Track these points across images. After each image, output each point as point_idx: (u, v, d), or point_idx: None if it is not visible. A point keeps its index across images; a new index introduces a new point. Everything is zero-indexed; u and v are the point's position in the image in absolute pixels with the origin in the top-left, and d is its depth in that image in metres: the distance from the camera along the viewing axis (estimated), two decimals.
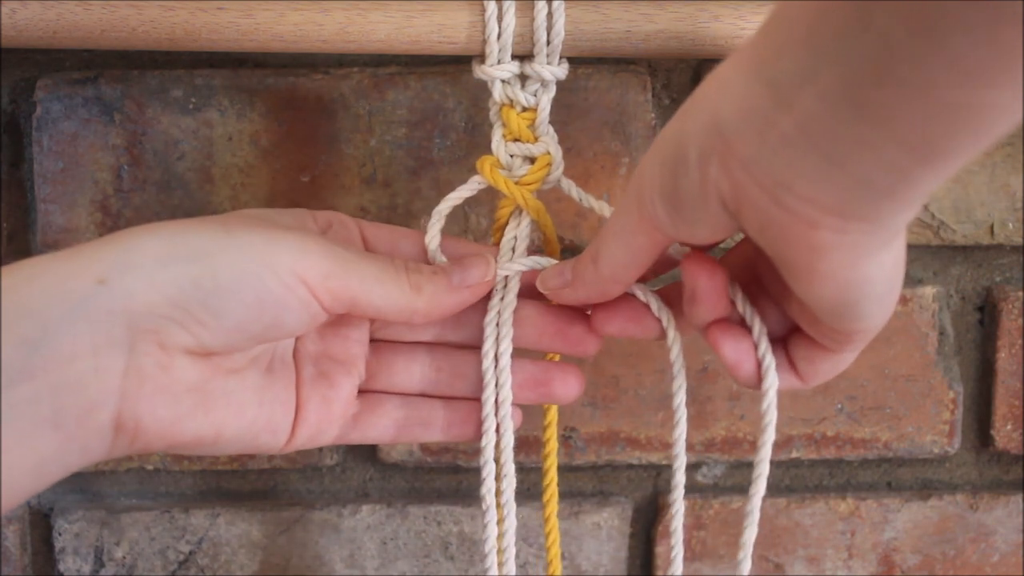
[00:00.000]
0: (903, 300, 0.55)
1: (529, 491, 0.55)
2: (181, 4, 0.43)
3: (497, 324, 0.44)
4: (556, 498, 0.48)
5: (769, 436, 0.42)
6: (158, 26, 0.43)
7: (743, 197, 0.32)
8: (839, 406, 0.56)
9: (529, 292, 0.45)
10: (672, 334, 0.43)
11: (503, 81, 0.44)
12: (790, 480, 0.58)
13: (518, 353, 0.44)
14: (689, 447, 0.56)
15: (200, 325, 0.37)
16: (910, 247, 0.36)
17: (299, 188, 0.52)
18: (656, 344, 0.54)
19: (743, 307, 0.41)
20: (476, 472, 0.55)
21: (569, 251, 0.53)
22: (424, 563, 0.56)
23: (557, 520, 0.48)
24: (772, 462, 0.57)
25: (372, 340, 0.45)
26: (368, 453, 0.56)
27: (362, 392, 0.44)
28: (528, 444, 0.55)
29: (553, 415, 0.48)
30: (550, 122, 0.45)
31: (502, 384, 0.44)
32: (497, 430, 0.44)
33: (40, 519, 0.56)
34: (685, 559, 0.57)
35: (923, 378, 0.56)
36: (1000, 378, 0.56)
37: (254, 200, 0.52)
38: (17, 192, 0.53)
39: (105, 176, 0.52)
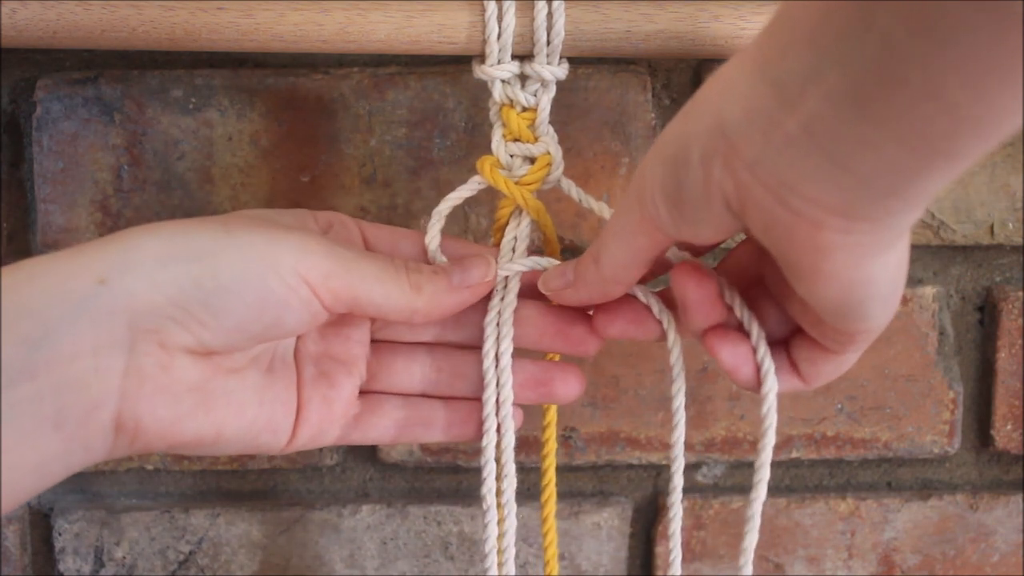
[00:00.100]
0: (903, 300, 0.55)
1: (529, 491, 0.55)
2: (181, 4, 0.43)
3: (498, 324, 0.44)
4: (554, 498, 0.48)
5: (770, 440, 0.42)
6: (158, 26, 0.43)
7: (747, 198, 0.32)
8: (839, 406, 0.56)
9: (529, 292, 0.44)
10: (672, 336, 0.43)
11: (503, 81, 0.44)
12: (790, 480, 0.58)
13: (519, 353, 0.44)
14: (689, 447, 0.56)
15: (201, 325, 0.37)
16: (910, 247, 0.36)
17: (299, 188, 0.52)
18: (656, 344, 0.54)
19: (740, 311, 0.40)
20: (476, 472, 0.55)
21: (569, 251, 0.53)
22: (424, 563, 0.56)
23: (555, 521, 0.48)
24: (772, 462, 0.57)
25: (373, 341, 0.45)
26: (368, 453, 0.56)
27: (363, 393, 0.44)
28: (528, 444, 0.55)
29: (552, 416, 0.48)
30: (550, 122, 0.45)
31: (503, 384, 0.44)
32: (498, 430, 0.44)
33: (40, 519, 0.56)
34: (685, 559, 0.57)
35: (923, 378, 0.56)
36: (1000, 378, 0.56)
37: (254, 200, 0.52)
38: (17, 192, 0.53)
39: (105, 176, 0.52)
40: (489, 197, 0.50)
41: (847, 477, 0.58)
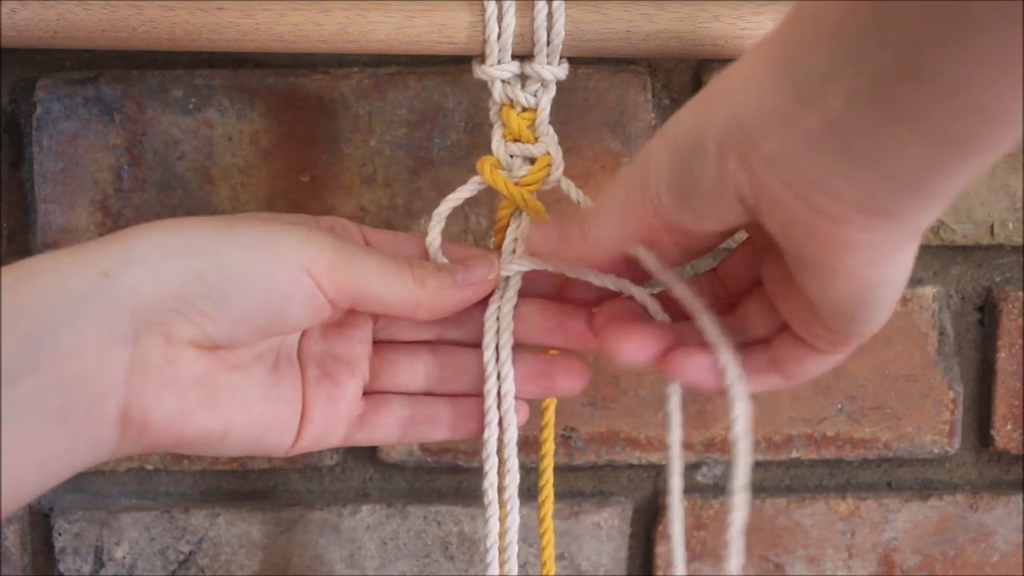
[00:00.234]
0: (903, 300, 0.55)
1: (529, 491, 0.55)
2: (181, 4, 0.43)
3: (497, 318, 0.44)
4: (552, 499, 0.48)
5: (745, 446, 0.41)
6: (158, 26, 0.43)
7: (764, 193, 0.32)
8: (839, 406, 0.56)
9: (530, 291, 0.45)
10: None
11: (503, 81, 0.44)
12: (790, 480, 0.58)
13: (521, 350, 0.44)
14: (689, 447, 0.56)
15: (204, 316, 0.37)
16: None
17: (299, 188, 0.52)
18: None
19: (706, 323, 0.40)
20: (476, 472, 0.55)
21: None
22: (424, 563, 0.56)
23: (552, 521, 0.48)
24: (772, 462, 0.57)
25: (375, 341, 0.45)
26: (368, 453, 0.56)
27: (367, 393, 0.44)
28: (528, 444, 0.55)
29: (550, 416, 0.48)
30: (550, 122, 0.45)
31: (504, 377, 0.44)
32: (500, 424, 0.44)
33: (40, 519, 0.56)
34: (685, 559, 0.57)
35: (923, 378, 0.56)
36: (1000, 378, 0.56)
37: (254, 200, 0.52)
38: (17, 192, 0.53)
39: (105, 176, 0.52)
40: (489, 197, 0.50)
41: (847, 477, 0.58)
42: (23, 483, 0.35)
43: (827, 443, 0.56)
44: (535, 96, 0.45)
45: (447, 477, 0.57)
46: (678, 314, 0.42)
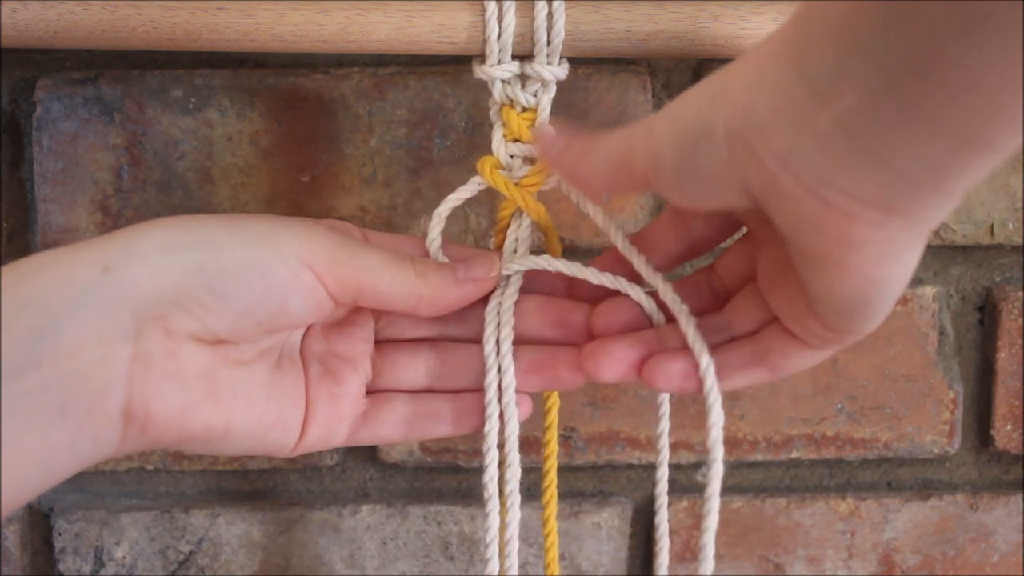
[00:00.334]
0: (903, 300, 0.55)
1: (529, 491, 0.55)
2: (181, 4, 0.43)
3: (498, 313, 0.44)
4: (555, 499, 0.48)
5: (718, 454, 0.41)
6: (158, 26, 0.43)
7: (774, 188, 0.32)
8: (839, 406, 0.56)
9: (531, 290, 0.45)
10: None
11: (503, 81, 0.44)
12: (790, 480, 0.58)
13: (522, 344, 0.44)
14: (689, 447, 0.56)
15: (205, 310, 0.38)
16: None
17: (299, 188, 0.52)
18: None
19: (688, 328, 0.41)
20: (477, 472, 0.55)
21: (569, 251, 0.53)
22: (424, 563, 0.56)
23: (556, 522, 0.48)
24: (772, 462, 0.57)
25: (376, 340, 0.45)
26: (368, 453, 0.56)
27: (369, 392, 0.44)
28: (528, 444, 0.55)
29: (554, 416, 0.48)
30: (550, 122, 0.45)
31: (504, 370, 0.44)
32: (501, 418, 0.44)
33: (40, 519, 0.56)
34: (685, 559, 0.57)
35: (923, 378, 0.56)
36: (1000, 378, 0.56)
37: (254, 200, 0.52)
38: (17, 192, 0.53)
39: (105, 176, 0.52)
40: (489, 197, 0.50)
41: (847, 477, 0.58)
42: (25, 480, 0.35)
43: (827, 443, 0.56)
44: (535, 96, 0.45)
45: (447, 477, 0.57)
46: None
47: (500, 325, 0.44)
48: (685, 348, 0.41)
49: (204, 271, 0.37)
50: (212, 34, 0.43)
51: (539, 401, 0.47)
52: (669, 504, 0.56)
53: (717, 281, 0.43)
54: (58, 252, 0.37)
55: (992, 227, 0.54)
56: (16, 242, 0.53)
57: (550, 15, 0.43)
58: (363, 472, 0.57)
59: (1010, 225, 0.54)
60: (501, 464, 0.44)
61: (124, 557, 0.56)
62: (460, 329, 0.45)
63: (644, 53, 0.45)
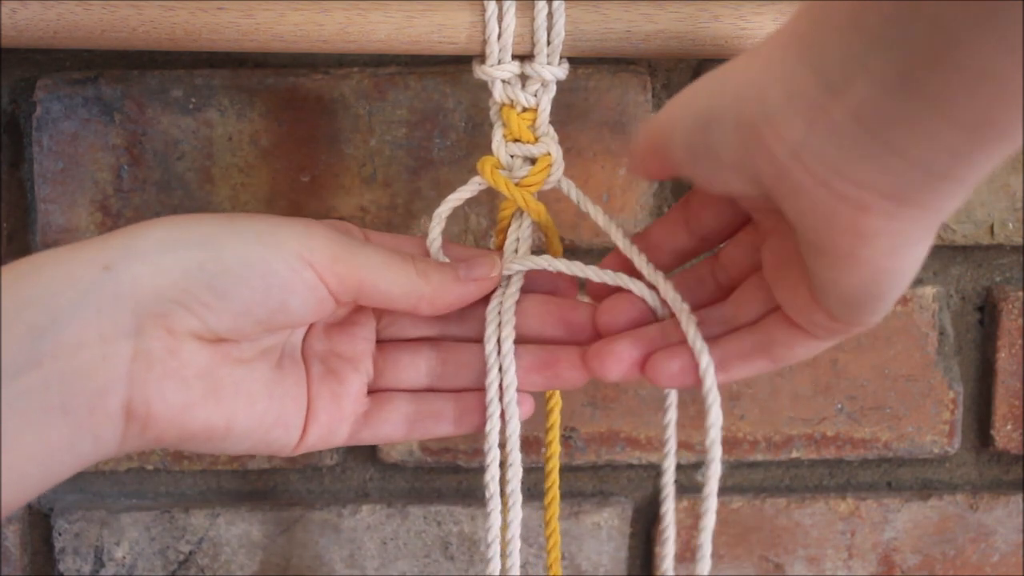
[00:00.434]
0: (903, 300, 0.55)
1: (530, 491, 0.55)
2: (181, 4, 0.43)
3: (499, 312, 0.44)
4: (558, 499, 0.48)
5: (716, 454, 0.42)
6: (158, 26, 0.43)
7: (784, 178, 0.32)
8: (839, 406, 0.56)
9: (532, 290, 0.45)
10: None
11: (503, 81, 0.44)
12: (790, 480, 0.58)
13: (524, 343, 0.44)
14: (689, 447, 0.56)
15: (206, 308, 0.38)
16: None
17: (299, 188, 0.52)
18: None
19: (688, 327, 0.41)
20: (477, 472, 0.55)
21: (569, 251, 0.53)
22: (424, 563, 0.56)
23: (558, 523, 0.48)
24: (772, 462, 0.57)
25: (378, 340, 0.45)
26: (368, 453, 0.56)
27: (371, 392, 0.44)
28: (528, 444, 0.55)
29: (556, 416, 0.48)
30: (550, 122, 0.45)
31: (505, 369, 0.44)
32: (502, 417, 0.44)
33: (40, 519, 0.56)
34: (685, 559, 0.57)
35: (923, 378, 0.56)
36: (1000, 378, 0.56)
37: (254, 200, 0.52)
38: (17, 192, 0.53)
39: (105, 176, 0.52)
40: (489, 197, 0.50)
41: (847, 477, 0.58)
42: (26, 480, 0.35)
43: (827, 443, 0.56)
44: (535, 96, 0.45)
45: (447, 477, 0.57)
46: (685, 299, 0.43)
47: (501, 324, 0.44)
48: (687, 343, 0.41)
49: (205, 270, 0.37)
50: (212, 34, 0.43)
51: (541, 401, 0.47)
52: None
53: (721, 271, 0.43)
54: (58, 251, 0.37)
55: (992, 227, 0.54)
56: (16, 242, 0.53)
57: (550, 15, 0.43)
58: (363, 472, 0.57)
59: (1010, 225, 0.54)
60: (502, 464, 0.44)
61: (124, 557, 0.56)
62: (461, 328, 0.45)
63: (644, 53, 0.45)
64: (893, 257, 0.33)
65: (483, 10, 0.43)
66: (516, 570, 0.45)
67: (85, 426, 0.36)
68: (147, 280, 0.37)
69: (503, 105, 0.45)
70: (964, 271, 0.56)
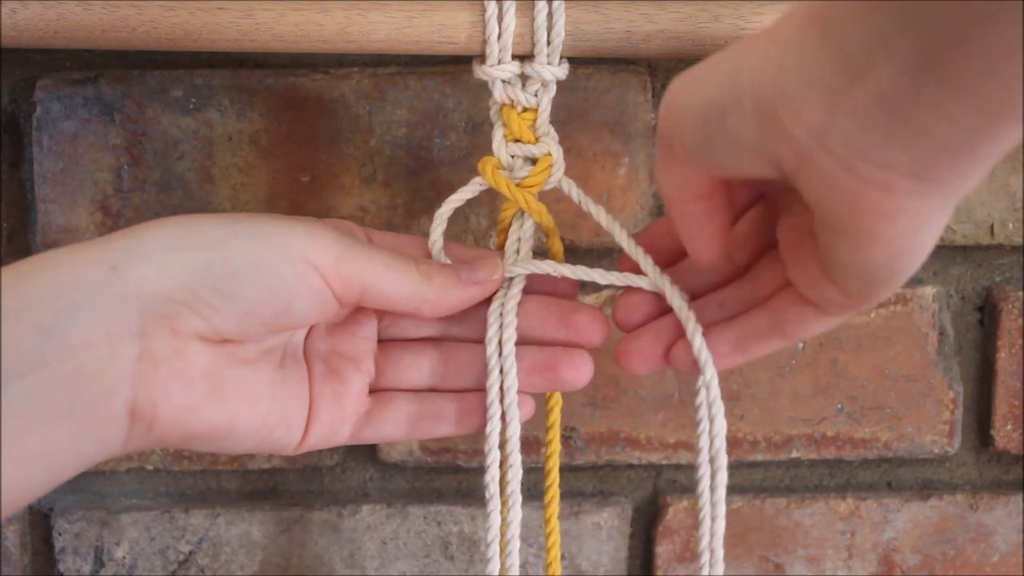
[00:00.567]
0: (903, 300, 0.55)
1: (529, 491, 0.55)
2: (182, 4, 0.43)
3: (501, 314, 0.44)
4: (557, 499, 0.48)
5: (723, 461, 0.43)
6: (158, 26, 0.43)
7: (806, 162, 0.32)
8: (839, 406, 0.56)
9: (536, 290, 0.45)
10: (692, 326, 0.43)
11: (504, 81, 0.44)
12: (790, 480, 0.58)
13: (525, 344, 0.44)
14: (689, 447, 0.56)
15: (212, 309, 0.38)
16: None
17: (299, 188, 0.52)
18: None
19: (690, 330, 0.42)
20: (477, 472, 0.55)
21: (570, 251, 0.53)
22: (424, 563, 0.56)
23: (558, 522, 0.48)
24: (772, 462, 0.57)
25: (379, 340, 0.45)
26: (368, 453, 0.56)
27: (373, 391, 0.44)
28: (527, 444, 0.55)
29: (556, 416, 0.48)
30: (550, 122, 0.45)
31: (507, 371, 0.44)
32: (503, 418, 0.44)
33: (40, 519, 0.56)
34: (685, 559, 0.57)
35: (923, 378, 0.56)
36: (1000, 378, 0.56)
37: (254, 200, 0.52)
38: (17, 192, 0.53)
39: (105, 176, 0.52)
40: (489, 197, 0.50)
41: (847, 477, 0.58)
42: (30, 480, 0.35)
43: (827, 443, 0.56)
44: (536, 96, 0.45)
45: (447, 477, 0.57)
46: (696, 288, 0.44)
47: (503, 326, 0.44)
48: (706, 330, 0.43)
49: (211, 271, 0.37)
50: (212, 34, 0.43)
51: (541, 401, 0.47)
52: (669, 504, 0.56)
53: (737, 250, 0.43)
54: (63, 251, 0.37)
55: (992, 227, 0.54)
56: (16, 242, 0.53)
57: (550, 15, 0.43)
58: (363, 472, 0.57)
59: (1010, 225, 0.54)
60: (502, 464, 0.44)
61: (124, 557, 0.56)
62: (464, 329, 0.45)
63: (644, 53, 0.45)
64: (915, 235, 0.33)
65: (483, 10, 0.43)
66: (516, 570, 0.45)
67: (90, 426, 0.36)
68: (153, 281, 0.37)
69: (503, 105, 0.45)
70: (964, 271, 0.56)
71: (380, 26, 0.43)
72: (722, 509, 0.44)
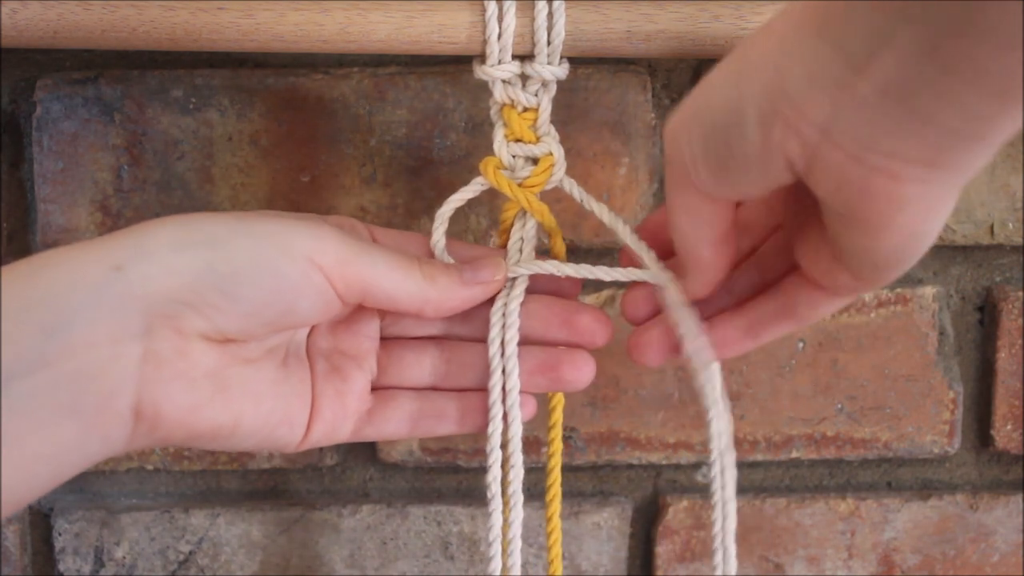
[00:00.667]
0: (903, 300, 0.55)
1: (529, 491, 0.55)
2: (182, 4, 0.43)
3: (503, 314, 0.44)
4: (559, 499, 0.48)
5: (730, 460, 0.44)
6: (158, 26, 0.43)
7: (816, 158, 0.32)
8: (839, 406, 0.56)
9: (539, 290, 0.45)
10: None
11: (504, 81, 0.44)
12: (790, 480, 0.58)
13: (527, 344, 0.44)
14: (689, 447, 0.56)
15: (215, 309, 0.38)
16: None
17: (299, 188, 0.52)
18: None
19: (686, 328, 0.42)
20: (477, 472, 0.55)
21: (570, 251, 0.53)
22: (424, 563, 0.56)
23: (559, 521, 0.48)
24: (772, 462, 0.57)
25: (382, 337, 0.45)
26: (368, 453, 0.56)
27: (375, 389, 0.44)
28: (528, 444, 0.55)
29: (558, 416, 0.48)
30: (550, 122, 0.45)
31: (509, 372, 0.44)
32: (504, 418, 0.44)
33: (40, 519, 0.56)
34: (685, 559, 0.57)
35: (923, 378, 0.56)
36: (1000, 378, 0.56)
37: (254, 200, 0.52)
38: (17, 192, 0.53)
39: (105, 176, 0.52)
40: (489, 197, 0.50)
41: (847, 477, 0.58)
42: (34, 479, 0.35)
43: (827, 443, 0.56)
44: (536, 96, 0.45)
45: (447, 477, 0.57)
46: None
47: (505, 327, 0.44)
48: (709, 320, 0.43)
49: (214, 271, 0.37)
50: (212, 34, 0.43)
51: (543, 401, 0.47)
52: (669, 504, 0.56)
53: (744, 235, 0.43)
54: (66, 250, 0.37)
55: (992, 227, 0.54)
56: (16, 242, 0.53)
57: (550, 15, 0.43)
58: (363, 472, 0.57)
59: (1010, 225, 0.54)
60: (504, 464, 0.44)
61: (124, 557, 0.56)
62: (466, 328, 0.45)
63: (644, 53, 0.45)
64: (928, 220, 0.33)
65: (483, 10, 0.43)
66: (517, 570, 0.45)
67: (94, 426, 0.36)
68: (157, 281, 0.37)
69: (504, 105, 0.45)
70: (964, 271, 0.56)
71: (380, 26, 0.43)
72: (733, 507, 0.44)
